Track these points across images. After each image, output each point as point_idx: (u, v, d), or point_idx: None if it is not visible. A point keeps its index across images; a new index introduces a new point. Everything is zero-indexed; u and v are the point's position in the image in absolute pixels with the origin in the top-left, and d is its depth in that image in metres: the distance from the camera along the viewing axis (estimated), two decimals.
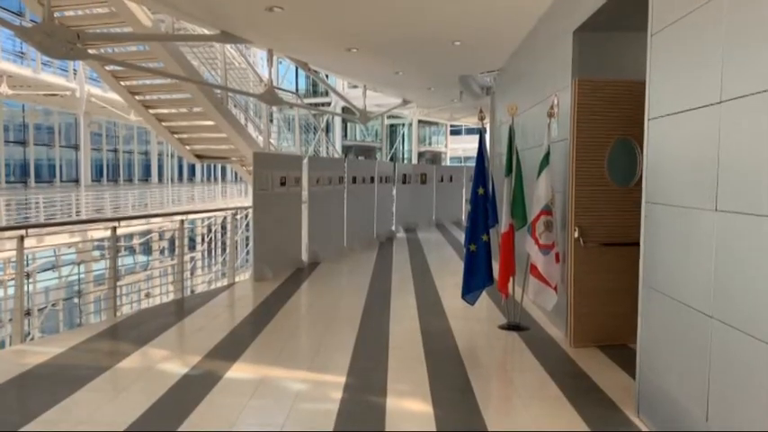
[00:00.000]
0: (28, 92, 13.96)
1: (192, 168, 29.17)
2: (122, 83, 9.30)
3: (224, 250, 30.55)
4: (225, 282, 8.79)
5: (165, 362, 4.93)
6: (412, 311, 6.73)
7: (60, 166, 19.69)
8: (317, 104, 21.70)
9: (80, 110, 16.13)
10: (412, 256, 10.97)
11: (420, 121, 25.13)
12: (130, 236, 19.29)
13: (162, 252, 22.99)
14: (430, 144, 32.21)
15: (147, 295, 13.00)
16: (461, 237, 14.41)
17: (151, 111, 9.98)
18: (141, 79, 9.50)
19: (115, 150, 22.63)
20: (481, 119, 6.13)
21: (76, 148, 20.14)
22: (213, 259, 23.67)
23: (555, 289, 5.55)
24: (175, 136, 10.53)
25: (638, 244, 5.31)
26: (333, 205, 10.86)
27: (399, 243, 13.00)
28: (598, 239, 5.25)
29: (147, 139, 25.25)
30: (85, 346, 5.31)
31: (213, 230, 23.16)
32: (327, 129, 21.96)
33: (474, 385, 4.34)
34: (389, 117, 20.91)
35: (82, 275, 17.48)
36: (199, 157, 11.11)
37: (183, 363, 4.81)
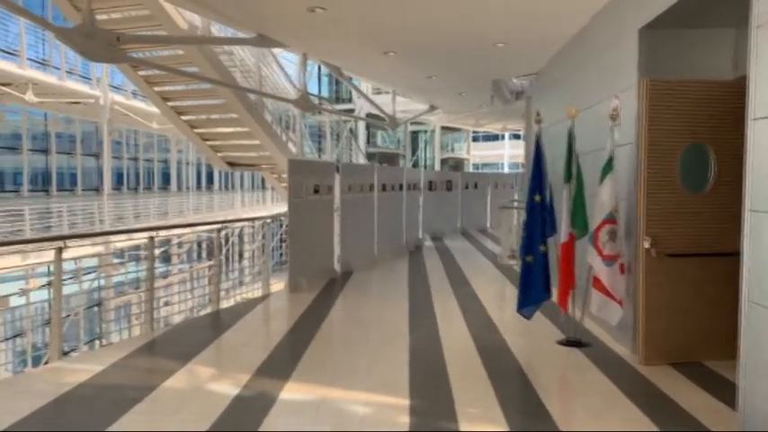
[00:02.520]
0: (52, 99, 13.82)
1: (209, 177, 29.04)
2: (155, 88, 9.10)
3: (240, 259, 30.44)
4: (245, 292, 8.52)
5: (214, 381, 4.66)
6: (460, 324, 6.43)
7: (80, 175, 19.58)
8: (340, 111, 21.55)
9: (103, 118, 16.01)
10: (445, 265, 10.66)
11: (442, 128, 24.91)
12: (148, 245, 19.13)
13: (181, 261, 22.81)
14: (452, 151, 31.91)
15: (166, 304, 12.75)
16: (490, 245, 14.11)
17: (183, 117, 9.77)
18: (174, 85, 9.30)
19: (135, 159, 22.51)
20: (538, 121, 5.82)
21: (97, 156, 20.06)
22: (230, 267, 23.42)
23: (620, 303, 5.22)
24: (207, 143, 10.32)
25: (714, 255, 5.03)
26: (363, 213, 10.59)
27: (428, 251, 12.70)
28: (670, 250, 4.92)
29: (166, 147, 25.16)
30: (126, 363, 5.04)
31: (230, 240, 22.92)
32: (349, 136, 21.76)
33: (549, 409, 4.02)
34: (412, 123, 20.64)
35: (111, 286, 17.33)
36: (230, 164, 10.90)
37: (233, 382, 4.52)
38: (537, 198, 5.63)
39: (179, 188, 25.48)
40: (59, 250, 5.12)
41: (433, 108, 14.14)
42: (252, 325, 6.51)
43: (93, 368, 4.82)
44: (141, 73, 8.68)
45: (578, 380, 4.81)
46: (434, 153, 27.09)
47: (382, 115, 12.89)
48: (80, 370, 4.81)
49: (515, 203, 12.81)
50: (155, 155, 24.36)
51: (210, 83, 8.05)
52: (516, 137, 37.55)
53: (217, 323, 6.63)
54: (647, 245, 4.91)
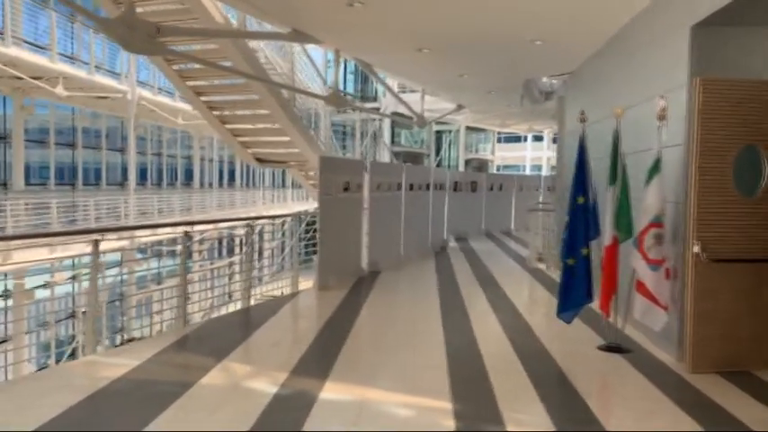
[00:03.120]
0: (81, 94, 13.88)
1: (231, 174, 29.12)
2: (189, 83, 9.07)
3: (261, 257, 30.52)
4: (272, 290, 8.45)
5: (251, 379, 4.59)
6: (494, 327, 6.31)
7: (105, 170, 19.70)
8: (369, 109, 21.37)
9: (130, 113, 16.07)
10: (473, 267, 10.52)
11: (467, 128, 24.72)
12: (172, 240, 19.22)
13: (202, 257, 22.90)
14: (476, 151, 31.69)
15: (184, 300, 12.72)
16: (515, 247, 13.95)
17: (215, 112, 9.73)
18: (207, 80, 9.27)
19: (159, 154, 22.61)
20: (582, 120, 5.67)
21: (122, 151, 20.17)
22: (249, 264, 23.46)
23: (665, 308, 5.07)
24: (238, 139, 10.28)
25: (766, 261, 4.86)
26: (391, 212, 10.48)
27: (454, 252, 12.57)
28: (720, 255, 4.76)
29: (189, 143, 25.26)
30: (161, 359, 4.99)
31: (253, 237, 22.96)
32: (374, 134, 21.62)
33: (599, 416, 3.89)
34: (436, 123, 20.49)
35: (133, 282, 17.42)
36: (259, 160, 10.85)
37: (271, 380, 4.44)
38: (580, 200, 5.49)
39: (201, 185, 25.57)
40: (96, 243, 5.08)
41: (460, 107, 14.01)
42: (283, 323, 6.44)
43: (129, 363, 4.77)
44: (175, 67, 8.66)
45: (623, 386, 4.66)
46: (459, 153, 26.87)
47: (410, 114, 12.77)
48: (116, 364, 4.76)
49: (543, 206, 12.63)
50: (178, 151, 24.47)
51: (245, 77, 7.99)
52: (538, 138, 37.23)
53: (248, 320, 6.57)
54: (696, 249, 4.75)
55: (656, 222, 5.10)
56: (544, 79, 12.62)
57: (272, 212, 29.14)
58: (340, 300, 7.45)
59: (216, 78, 9.25)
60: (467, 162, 28.09)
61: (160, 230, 14.22)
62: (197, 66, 8.48)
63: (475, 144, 31.56)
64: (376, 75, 9.67)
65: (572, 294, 5.47)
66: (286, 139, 9.99)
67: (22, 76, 11.55)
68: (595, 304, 5.57)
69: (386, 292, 8.17)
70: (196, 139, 25.12)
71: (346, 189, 8.70)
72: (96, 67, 15.41)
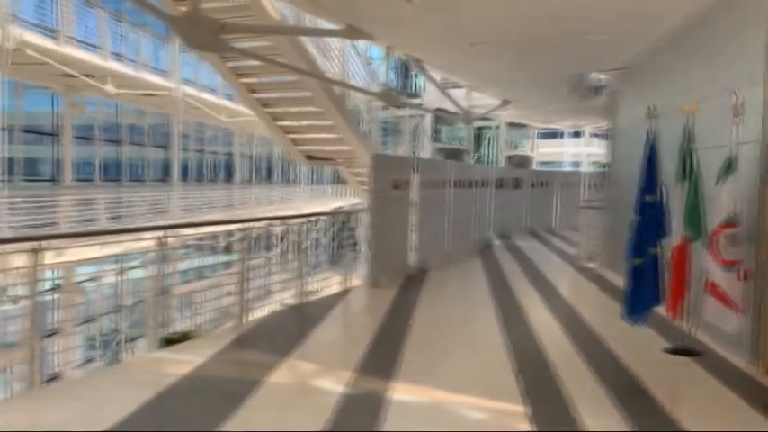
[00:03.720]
0: (129, 91, 14.11)
1: (269, 170, 29.33)
2: (242, 80, 9.13)
3: (297, 253, 30.52)
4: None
5: (317, 378, 4.57)
6: (554, 328, 6.20)
7: (149, 166, 19.99)
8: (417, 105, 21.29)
9: (176, 110, 16.28)
10: (521, 266, 10.37)
11: (508, 124, 24.45)
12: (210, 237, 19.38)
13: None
14: (516, 148, 31.35)
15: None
16: (561, 245, 13.74)
17: (267, 110, 9.78)
18: (261, 77, 9.30)
19: (201, 151, 22.87)
20: (653, 116, 5.49)
21: (165, 147, 20.45)
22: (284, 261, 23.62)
23: (738, 311, 4.89)
24: (288, 136, 10.31)
25: None
26: (437, 210, 10.40)
27: (499, 251, 12.42)
28: None
29: (229, 140, 25.50)
30: (225, 357, 5.01)
31: (286, 234, 22.99)
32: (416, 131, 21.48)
33: (679, 421, 3.76)
34: (477, 120, 20.24)
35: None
36: (309, 158, 10.87)
37: (338, 380, 4.41)
38: (648, 198, 5.33)
39: (241, 180, 25.81)
40: (159, 240, 5.12)
41: (505, 103, 13.83)
42: (340, 320, 6.43)
43: (193, 360, 4.79)
44: (230, 64, 8.71)
45: (698, 390, 4.52)
46: (499, 150, 26.56)
47: (454, 110, 12.64)
48: (181, 361, 4.79)
49: (593, 203, 12.39)
50: (219, 148, 24.73)
51: (302, 74, 7.99)
52: (576, 134, 36.63)
53: (304, 317, 6.57)
54: None
55: (731, 222, 4.93)
56: (592, 74, 12.36)
57: (311, 209, 29.33)
58: (392, 298, 7.40)
59: (269, 76, 9.27)
60: (508, 159, 27.71)
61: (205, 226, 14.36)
62: (250, 63, 8.52)
63: (515, 140, 31.19)
64: (425, 71, 9.59)
65: (639, 296, 5.31)
66: (336, 136, 9.98)
67: (76, 74, 11.77)
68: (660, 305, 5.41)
69: (438, 291, 8.10)
70: (236, 136, 25.35)
71: (396, 186, 8.65)
72: (143, 64, 15.62)
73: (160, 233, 5.19)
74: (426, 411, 3.89)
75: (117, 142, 18.00)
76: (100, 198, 14.35)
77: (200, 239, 19.19)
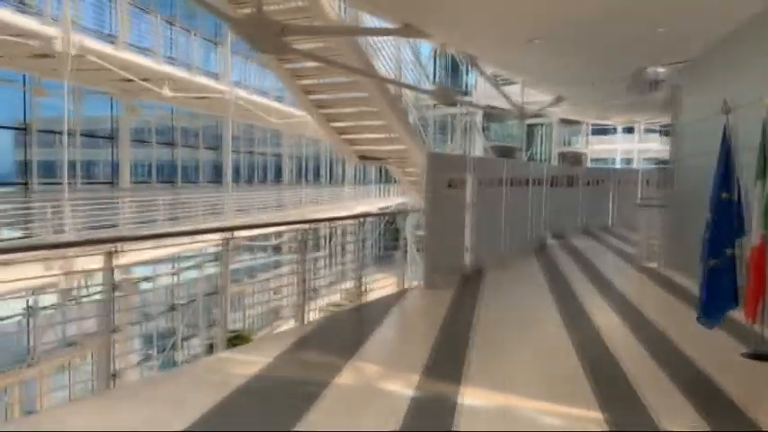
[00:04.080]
0: (183, 94, 14.38)
1: (316, 170, 29.57)
2: (299, 82, 9.18)
3: (344, 253, 30.80)
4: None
5: (385, 380, 4.51)
6: (622, 330, 6.01)
7: (202, 167, 20.38)
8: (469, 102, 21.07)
9: (227, 112, 16.54)
10: (580, 266, 10.11)
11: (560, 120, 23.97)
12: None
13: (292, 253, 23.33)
14: (568, 144, 30.72)
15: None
16: (618, 244, 13.40)
17: (322, 111, 9.81)
18: (317, 78, 9.34)
19: (251, 152, 23.21)
20: (727, 111, 5.26)
21: (216, 149, 20.82)
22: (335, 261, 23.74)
23: None
24: (342, 136, 10.32)
25: None
26: (492, 209, 10.23)
27: (555, 250, 12.17)
28: None
29: (277, 141, 25.80)
30: (290, 357, 5.01)
31: (335, 234, 23.09)
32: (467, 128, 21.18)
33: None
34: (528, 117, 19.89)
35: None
36: (363, 158, 10.87)
37: (405, 382, 4.35)
38: (724, 195, 5.10)
39: (290, 181, 26.09)
40: (227, 240, 5.16)
41: (559, 99, 13.54)
42: (399, 322, 6.38)
43: (260, 360, 4.79)
44: (287, 66, 8.76)
45: None
46: (551, 147, 26.03)
47: (505, 107, 12.43)
48: (248, 362, 4.81)
49: (653, 201, 12.01)
50: (268, 149, 25.06)
51: (359, 74, 7.97)
52: (629, 130, 35.72)
53: (364, 318, 6.55)
54: None
55: None
56: (650, 68, 11.99)
57: (359, 209, 29.47)
58: (450, 299, 7.30)
59: (324, 77, 9.30)
60: (561, 156, 27.14)
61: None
62: (307, 65, 8.55)
63: (567, 137, 30.56)
64: (479, 68, 9.45)
65: (715, 298, 5.09)
66: (390, 135, 9.92)
67: (134, 78, 12.05)
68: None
69: (496, 292, 7.96)
70: (285, 137, 25.62)
71: (451, 186, 8.55)
72: (189, 67, 15.88)
73: (228, 234, 5.23)
74: (499, 417, 3.79)
75: (171, 145, 18.40)
76: (159, 200, 14.62)
77: (252, 239, 19.44)
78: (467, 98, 18.60)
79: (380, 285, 8.29)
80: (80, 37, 10.50)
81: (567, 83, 11.84)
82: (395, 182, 39.80)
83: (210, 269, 19.17)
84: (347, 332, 5.87)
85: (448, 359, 4.95)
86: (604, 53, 9.12)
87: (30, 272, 8.35)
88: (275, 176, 25.46)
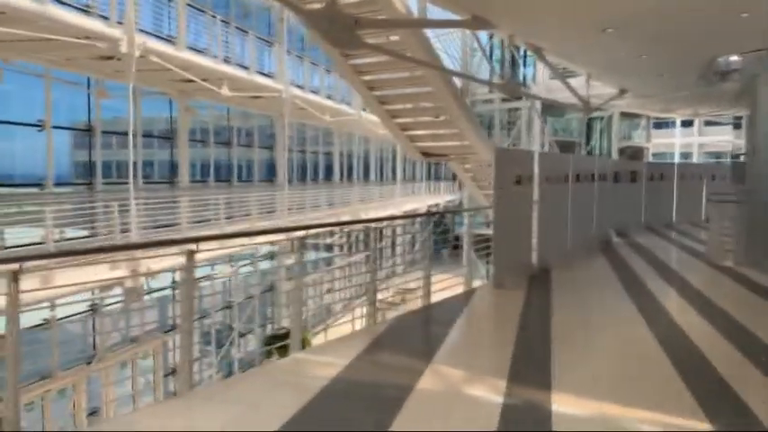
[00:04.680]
0: (241, 94, 14.47)
1: (366, 169, 29.54)
2: (362, 77, 9.08)
3: (393, 253, 30.79)
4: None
5: (470, 385, 4.35)
6: (712, 332, 5.67)
7: (257, 167, 20.54)
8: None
9: (284, 111, 16.60)
10: (650, 264, 9.69)
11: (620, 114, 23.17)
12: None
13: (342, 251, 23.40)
14: (629, 138, 29.79)
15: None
16: (685, 241, 12.89)
17: (386, 107, 9.68)
18: (381, 74, 9.21)
19: (302, 151, 23.30)
20: None
21: (270, 148, 20.99)
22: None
23: None
24: (405, 133, 10.17)
25: None
26: (557, 205, 9.91)
27: (622, 248, 11.73)
28: None
29: (328, 140, 25.86)
30: (368, 359, 4.88)
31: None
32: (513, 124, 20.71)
33: None
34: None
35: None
36: (425, 154, 10.69)
37: (491, 387, 4.17)
38: None
39: (341, 179, 26.12)
40: (302, 240, 5.08)
41: (623, 92, 13.05)
42: (473, 323, 6.20)
43: (337, 362, 4.68)
44: (351, 62, 8.66)
45: None
46: (611, 141, 25.19)
47: (572, 101, 12.04)
48: (325, 363, 4.71)
49: (726, 196, 11.46)
50: (319, 147, 25.15)
51: (429, 68, 7.79)
52: (687, 123, 34.51)
53: (436, 319, 6.39)
54: None
55: None
56: (721, 57, 11.44)
57: (409, 207, 29.37)
58: (522, 300, 7.06)
59: (389, 72, 9.16)
60: (621, 150, 26.25)
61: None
62: (371, 60, 8.42)
63: (627, 131, 29.59)
64: (545, 61, 9.14)
65: None
66: (453, 131, 9.71)
67: (194, 78, 12.17)
68: None
69: (568, 292, 7.66)
70: (336, 135, 25.67)
71: (518, 182, 8.29)
72: (246, 67, 15.98)
73: (301, 233, 5.15)
74: (595, 425, 3.57)
75: (227, 144, 18.60)
76: (220, 198, 14.76)
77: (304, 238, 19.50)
78: (531, 92, 18.21)
79: (445, 285, 8.12)
80: (143, 38, 10.63)
81: (634, 74, 11.38)
82: (442, 179, 39.68)
83: (265, 266, 19.39)
84: (421, 334, 5.73)
85: (532, 363, 4.75)
86: (681, 41, 8.69)
87: (99, 272, 8.49)
88: (326, 175, 25.54)
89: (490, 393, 4.06)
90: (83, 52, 10.51)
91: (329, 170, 25.93)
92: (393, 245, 29.14)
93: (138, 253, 8.22)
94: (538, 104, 18.18)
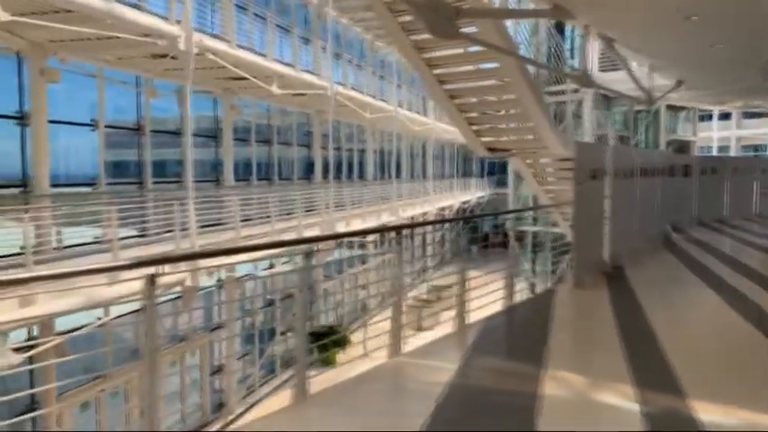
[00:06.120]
0: (290, 91, 14.38)
1: (398, 167, 29.35)
2: (434, 71, 8.86)
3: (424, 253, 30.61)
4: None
5: (598, 392, 4.13)
6: None
7: (296, 165, 20.45)
8: (557, 92, 20.10)
9: (323, 108, 16.47)
10: (721, 260, 9.36)
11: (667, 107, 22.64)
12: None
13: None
14: (675, 131, 29.20)
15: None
16: (746, 236, 12.53)
17: (456, 101, 9.47)
18: (452, 67, 9.00)
19: (338, 149, 23.15)
20: None
21: (309, 146, 20.90)
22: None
23: None
24: (472, 127, 9.94)
25: None
26: (626, 201, 9.62)
27: (684, 244, 11.39)
28: None
29: (362, 138, 25.74)
30: (476, 364, 4.72)
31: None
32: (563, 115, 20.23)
33: None
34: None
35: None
36: (491, 150, 10.46)
37: (620, 393, 3.95)
38: None
39: (374, 177, 25.98)
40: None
41: (679, 84, 12.69)
42: (569, 325, 5.96)
43: (446, 366, 4.50)
44: (423, 56, 8.45)
45: None
46: (659, 134, 24.61)
47: (634, 93, 11.73)
48: (433, 368, 4.54)
49: None
50: (354, 145, 25.04)
51: (510, 56, 7.56)
52: (724, 116, 33.84)
53: (527, 321, 6.17)
54: None
55: None
56: None
57: (442, 203, 29.16)
58: (607, 299, 6.80)
59: (459, 65, 8.95)
60: (668, 144, 25.70)
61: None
62: (442, 54, 8.22)
63: (673, 124, 29.01)
64: (616, 52, 8.85)
65: None
66: (524, 125, 9.45)
67: (247, 75, 12.05)
68: None
69: (653, 291, 7.36)
70: (369, 132, 25.52)
71: (593, 177, 8.03)
72: (290, 65, 15.85)
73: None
74: None
75: (267, 142, 18.52)
76: (268, 197, 14.62)
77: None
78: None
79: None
80: (199, 36, 10.53)
81: (698, 65, 11.05)
82: (473, 176, 39.35)
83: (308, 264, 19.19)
84: (519, 336, 5.53)
85: (651, 369, 4.48)
86: (756, 32, 8.37)
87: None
88: (360, 172, 25.43)
89: (624, 401, 3.84)
90: (139, 51, 10.45)
91: (362, 167, 25.83)
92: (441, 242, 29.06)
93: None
94: (589, 97, 17.81)
